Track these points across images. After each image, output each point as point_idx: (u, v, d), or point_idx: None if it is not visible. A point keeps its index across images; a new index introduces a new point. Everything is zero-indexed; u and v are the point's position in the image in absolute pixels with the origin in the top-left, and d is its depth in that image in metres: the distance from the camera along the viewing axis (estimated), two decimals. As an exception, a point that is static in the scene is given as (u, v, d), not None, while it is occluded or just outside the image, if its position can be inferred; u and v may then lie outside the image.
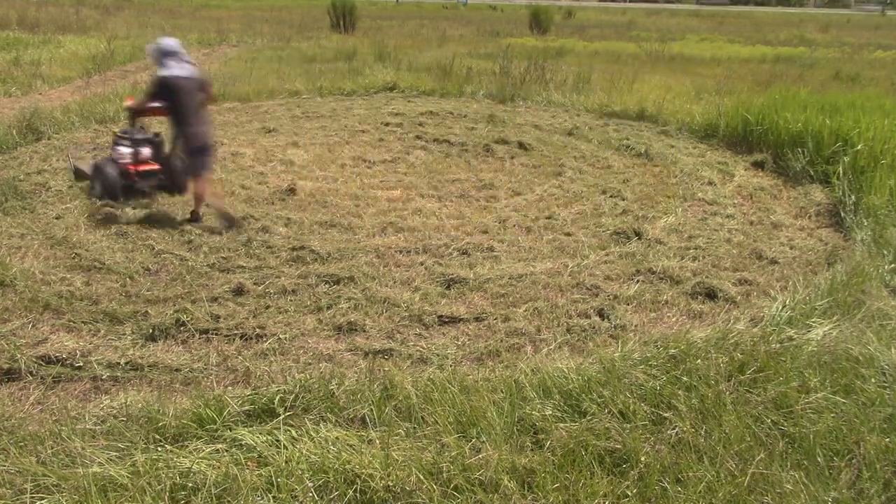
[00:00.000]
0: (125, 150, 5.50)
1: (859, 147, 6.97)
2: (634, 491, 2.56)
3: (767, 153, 8.07)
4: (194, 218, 5.50)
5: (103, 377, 3.42)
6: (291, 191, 6.30)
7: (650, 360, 3.44)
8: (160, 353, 3.64)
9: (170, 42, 5.14)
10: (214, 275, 4.60)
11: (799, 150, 7.56)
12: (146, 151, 5.60)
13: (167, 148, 5.66)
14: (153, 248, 4.97)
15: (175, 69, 5.06)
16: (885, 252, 5.05)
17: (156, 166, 5.62)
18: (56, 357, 3.52)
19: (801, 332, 3.79)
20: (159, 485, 2.44)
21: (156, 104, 5.31)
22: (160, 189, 5.76)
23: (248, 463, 2.59)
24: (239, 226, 5.35)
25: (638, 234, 5.60)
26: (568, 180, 7.11)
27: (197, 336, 3.83)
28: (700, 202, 6.59)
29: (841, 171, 6.72)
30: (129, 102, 5.64)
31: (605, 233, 5.68)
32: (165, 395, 3.21)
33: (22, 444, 2.73)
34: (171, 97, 5.08)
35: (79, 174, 6.08)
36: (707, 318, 4.32)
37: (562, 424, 2.92)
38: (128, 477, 2.48)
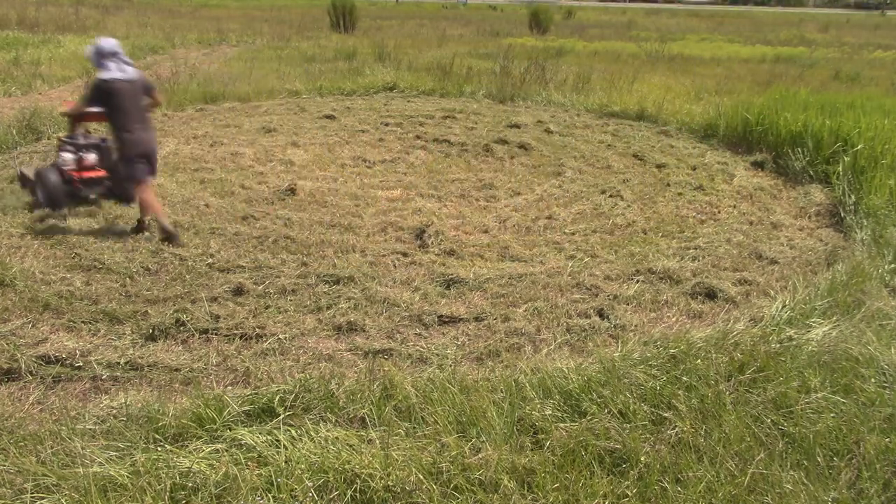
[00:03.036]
0: (68, 157, 5.34)
1: (859, 147, 6.97)
2: (634, 491, 2.56)
3: (767, 153, 8.08)
4: (139, 228, 5.20)
5: (103, 377, 3.42)
6: (291, 191, 6.30)
7: (650, 360, 3.44)
8: (160, 352, 3.64)
9: (108, 42, 4.83)
10: (214, 275, 4.60)
11: (799, 150, 7.57)
12: (91, 157, 5.42)
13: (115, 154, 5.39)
14: (153, 248, 4.97)
15: (114, 71, 4.77)
16: (885, 252, 5.05)
17: (102, 173, 5.45)
18: (56, 357, 3.52)
19: (801, 332, 3.79)
20: (159, 485, 2.44)
21: (94, 109, 4.96)
22: (107, 197, 5.59)
23: (249, 464, 2.59)
24: (178, 241, 5.02)
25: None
26: (568, 180, 7.11)
27: (197, 336, 3.83)
28: (699, 202, 6.59)
29: (841, 171, 6.73)
30: (65, 107, 5.35)
31: (605, 233, 5.68)
32: (165, 395, 3.21)
33: (22, 443, 2.73)
34: (108, 101, 4.79)
35: (25, 180, 5.72)
36: (707, 318, 4.32)
37: (562, 424, 2.92)
38: (128, 477, 2.48)
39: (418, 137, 8.69)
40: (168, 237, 5.02)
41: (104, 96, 4.78)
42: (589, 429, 2.88)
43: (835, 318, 3.95)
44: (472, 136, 8.84)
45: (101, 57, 4.78)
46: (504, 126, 9.47)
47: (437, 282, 4.62)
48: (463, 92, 12.02)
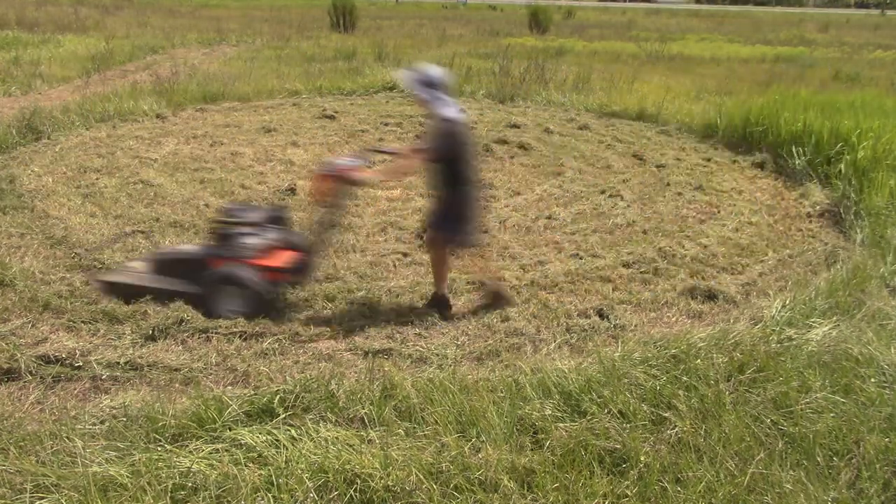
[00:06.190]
0: (254, 241, 3.94)
1: (860, 147, 6.97)
2: (634, 491, 2.56)
3: (767, 153, 8.08)
4: (441, 303, 4.20)
5: (103, 377, 3.42)
6: (291, 191, 6.30)
7: (650, 360, 3.44)
8: (160, 352, 3.63)
9: (440, 72, 3.76)
10: (214, 274, 4.59)
11: (799, 149, 7.57)
12: (272, 236, 4.08)
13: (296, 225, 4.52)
14: (153, 248, 4.96)
15: (454, 109, 3.77)
16: (886, 252, 5.05)
17: (292, 254, 4.08)
18: (56, 357, 3.52)
19: (801, 332, 3.79)
20: (159, 485, 2.43)
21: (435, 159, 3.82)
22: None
23: (249, 464, 2.59)
24: (511, 303, 4.26)
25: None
26: (568, 180, 7.11)
27: (196, 335, 3.83)
28: (699, 202, 6.59)
29: (842, 171, 6.73)
30: (369, 175, 3.96)
31: (605, 233, 5.68)
32: (165, 395, 3.21)
33: (21, 443, 2.73)
34: (457, 148, 3.78)
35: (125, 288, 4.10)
36: (707, 318, 4.32)
37: (561, 424, 2.91)
38: (127, 477, 2.47)
39: (418, 137, 8.69)
40: (503, 300, 4.24)
41: (455, 142, 3.76)
42: (589, 429, 2.88)
43: (835, 318, 3.95)
44: (472, 136, 8.83)
45: (433, 89, 3.72)
46: (504, 126, 9.46)
47: (437, 282, 4.61)
48: (463, 92, 12.01)
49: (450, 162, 3.79)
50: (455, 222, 3.90)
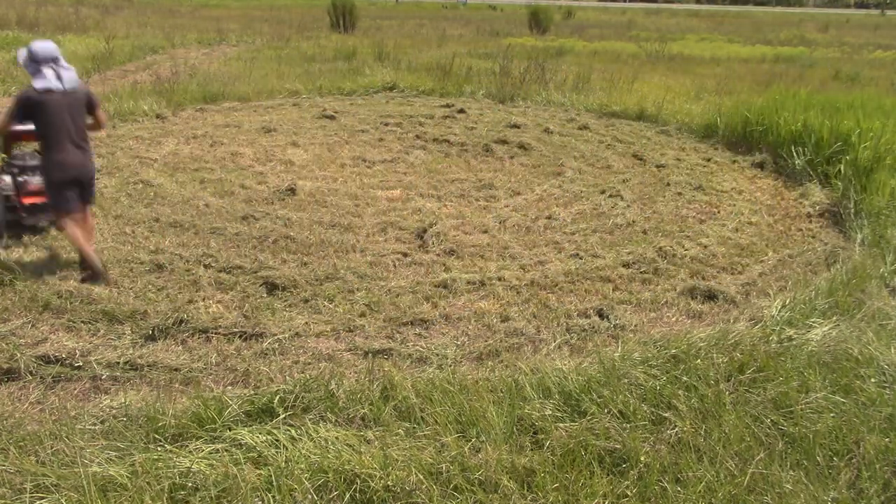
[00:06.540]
0: (7, 179, 4.86)
1: (860, 147, 6.97)
2: (634, 491, 2.56)
3: (767, 153, 8.08)
4: (88, 272, 4.38)
5: (103, 377, 3.42)
6: (291, 191, 6.29)
7: (650, 360, 3.44)
8: (160, 352, 3.64)
9: (44, 46, 4.07)
10: (214, 275, 4.59)
11: (799, 149, 7.57)
12: (36, 180, 4.81)
13: None
14: (152, 248, 4.96)
15: (49, 80, 4.03)
16: (886, 252, 5.05)
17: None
18: (56, 357, 3.52)
19: (801, 332, 3.79)
20: (159, 485, 2.44)
21: (20, 126, 4.25)
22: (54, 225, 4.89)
23: (248, 464, 2.59)
24: (102, 282, 4.30)
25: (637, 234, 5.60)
26: (567, 180, 7.11)
27: (196, 335, 3.83)
28: (699, 202, 6.59)
29: (842, 171, 6.74)
30: None
31: (605, 233, 5.68)
32: (165, 395, 3.21)
33: (21, 443, 2.73)
34: (38, 116, 4.04)
35: None
36: (707, 318, 4.32)
37: (561, 424, 2.92)
38: (127, 477, 2.48)
39: (418, 137, 8.69)
40: (92, 277, 4.31)
41: (33, 110, 4.03)
42: (589, 429, 2.88)
43: (835, 318, 3.95)
44: (472, 136, 8.84)
45: (34, 63, 4.06)
46: (504, 126, 9.47)
47: (437, 282, 4.62)
48: (463, 92, 12.02)
49: (38, 129, 4.11)
50: (49, 189, 4.25)
